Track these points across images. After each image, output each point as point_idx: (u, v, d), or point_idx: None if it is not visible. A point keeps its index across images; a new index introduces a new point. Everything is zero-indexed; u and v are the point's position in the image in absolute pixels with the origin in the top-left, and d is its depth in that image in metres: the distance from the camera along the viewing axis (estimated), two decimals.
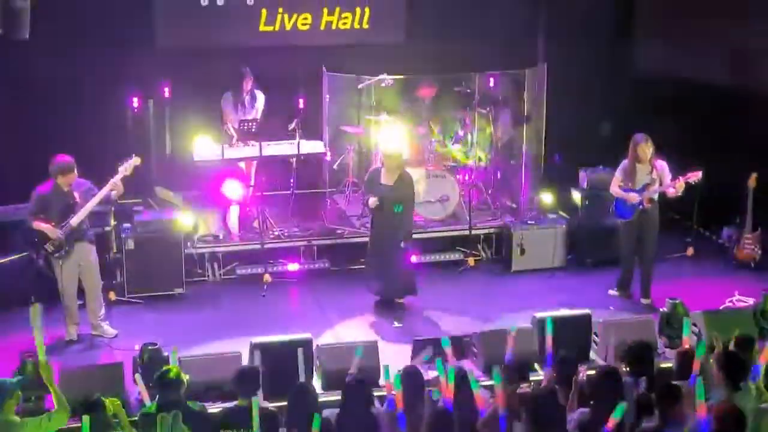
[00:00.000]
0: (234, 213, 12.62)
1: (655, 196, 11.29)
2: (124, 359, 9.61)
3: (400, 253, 11.19)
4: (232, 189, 12.27)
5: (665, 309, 10.40)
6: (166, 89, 13.42)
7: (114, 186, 10.42)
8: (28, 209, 10.50)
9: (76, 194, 10.40)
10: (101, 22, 12.90)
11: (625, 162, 11.39)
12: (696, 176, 11.16)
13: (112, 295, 11.49)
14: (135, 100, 13.12)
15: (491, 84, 13.67)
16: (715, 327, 9.41)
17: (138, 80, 13.20)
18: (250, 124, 12.34)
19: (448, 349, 8.14)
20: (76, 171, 10.36)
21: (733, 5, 12.99)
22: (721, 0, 13.20)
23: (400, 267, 11.26)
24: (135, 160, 10.61)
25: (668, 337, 10.25)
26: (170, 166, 13.31)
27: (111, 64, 12.90)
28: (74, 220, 10.33)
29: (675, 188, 11.16)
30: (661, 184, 11.25)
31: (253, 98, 12.71)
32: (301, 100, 13.14)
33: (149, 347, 9.41)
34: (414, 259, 11.58)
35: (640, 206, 11.28)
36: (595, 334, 10.13)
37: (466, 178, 13.37)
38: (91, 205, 10.40)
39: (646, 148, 11.16)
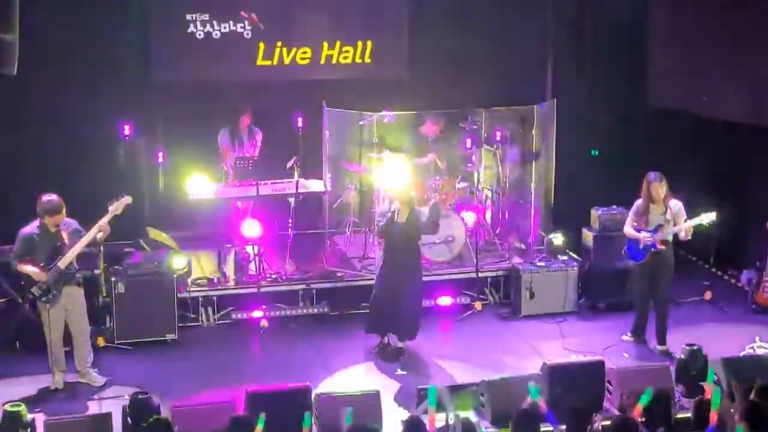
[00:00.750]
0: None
1: (670, 238, 11.14)
2: (112, 409, 9.39)
3: (412, 292, 11.13)
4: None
5: (682, 356, 10.23)
6: (160, 125, 13.34)
7: (101, 227, 10.24)
8: (13, 251, 10.33)
9: (63, 235, 10.23)
10: (94, 56, 12.87)
11: (638, 202, 11.28)
12: (710, 217, 11.03)
13: (101, 341, 11.30)
14: (126, 133, 12.98)
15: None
16: (735, 375, 9.25)
17: (131, 116, 13.09)
18: (247, 161, 12.24)
19: (454, 399, 7.98)
20: (64, 211, 10.19)
21: (752, 38, 12.90)
22: (738, 33, 13.10)
23: (409, 306, 11.14)
24: (126, 199, 10.44)
25: (686, 386, 10.05)
26: (163, 205, 13.19)
27: (103, 100, 12.82)
28: (62, 263, 10.14)
29: (685, 231, 11.02)
30: (675, 225, 11.11)
31: (252, 135, 12.60)
32: (300, 137, 13.03)
33: (139, 396, 9.23)
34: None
35: (653, 248, 11.14)
36: (609, 382, 9.96)
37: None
38: (80, 247, 10.22)
39: (659, 187, 11.05)
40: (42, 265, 10.13)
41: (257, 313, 11.90)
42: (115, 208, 10.33)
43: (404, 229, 11.03)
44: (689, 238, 11.16)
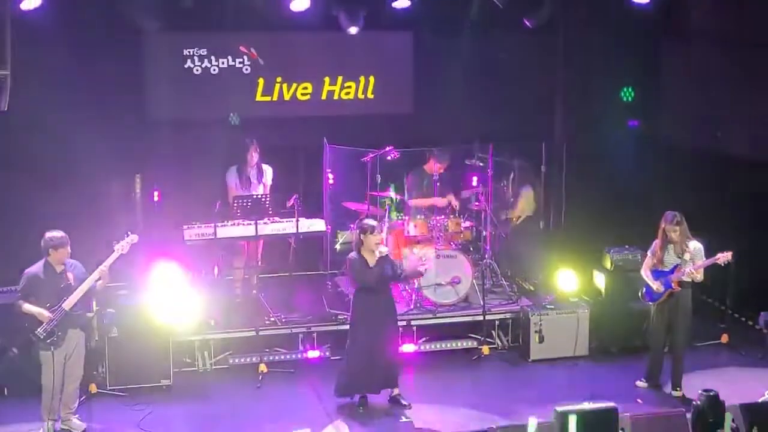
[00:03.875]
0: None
1: (687, 279, 11.09)
2: None
3: (391, 338, 11.00)
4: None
5: (698, 402, 10.11)
6: (156, 162, 13.33)
7: (102, 273, 10.17)
8: (18, 290, 10.25)
9: (69, 275, 10.18)
10: (89, 92, 12.86)
11: (655, 242, 11.27)
12: (726, 257, 11.01)
13: (93, 388, 11.21)
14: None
15: (507, 158, 13.58)
16: (754, 421, 9.13)
17: (127, 154, 13.10)
18: (246, 201, 12.17)
19: None
20: (68, 247, 10.15)
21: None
22: (752, 70, 13.14)
23: (389, 355, 11.00)
24: (132, 238, 10.38)
25: None
26: (159, 245, 13.12)
27: (99, 138, 12.74)
28: (67, 304, 10.08)
29: (694, 271, 11.00)
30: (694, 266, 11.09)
31: (260, 172, 12.59)
32: (300, 175, 13.02)
33: None
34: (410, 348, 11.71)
35: (669, 287, 11.13)
36: (622, 430, 9.84)
37: (479, 258, 13.16)
38: (85, 287, 10.14)
39: (672, 229, 11.06)
40: (46, 306, 10.07)
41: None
42: (121, 247, 10.28)
43: (380, 270, 10.85)
44: (701, 278, 11.12)
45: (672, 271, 11.11)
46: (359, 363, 10.95)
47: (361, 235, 10.84)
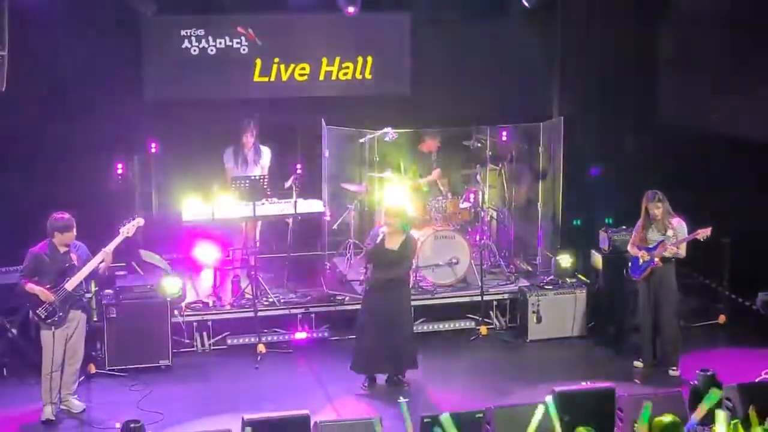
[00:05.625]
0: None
1: (669, 255, 11.19)
2: None
3: (405, 321, 11.03)
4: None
5: (696, 382, 10.17)
6: (153, 145, 13.35)
7: (105, 255, 10.18)
8: (21, 269, 10.27)
9: (73, 256, 10.19)
10: (86, 73, 12.84)
11: (639, 222, 11.42)
12: (705, 233, 11.13)
13: (93, 368, 11.24)
14: (119, 166, 13.00)
15: (503, 138, 13.61)
16: (751, 401, 9.17)
17: (124, 135, 13.12)
18: (243, 182, 12.18)
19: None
20: (74, 231, 10.14)
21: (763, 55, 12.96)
22: (749, 50, 13.15)
23: (404, 337, 11.06)
24: (138, 221, 10.42)
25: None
26: (157, 227, 13.17)
27: (95, 118, 12.79)
28: (69, 284, 10.11)
29: (676, 247, 11.13)
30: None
31: (257, 153, 12.60)
32: (298, 156, 13.03)
33: (132, 425, 9.17)
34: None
35: (652, 264, 11.25)
36: (620, 410, 9.88)
37: (478, 239, 13.19)
38: (88, 269, 10.16)
39: (654, 206, 11.20)
40: (49, 286, 10.09)
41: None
42: (127, 230, 10.31)
43: (396, 256, 10.89)
44: (683, 254, 11.22)
45: (656, 248, 11.23)
46: (367, 341, 10.99)
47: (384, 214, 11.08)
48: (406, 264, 10.98)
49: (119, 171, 13.06)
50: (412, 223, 11.49)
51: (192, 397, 10.90)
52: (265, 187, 12.14)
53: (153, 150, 13.33)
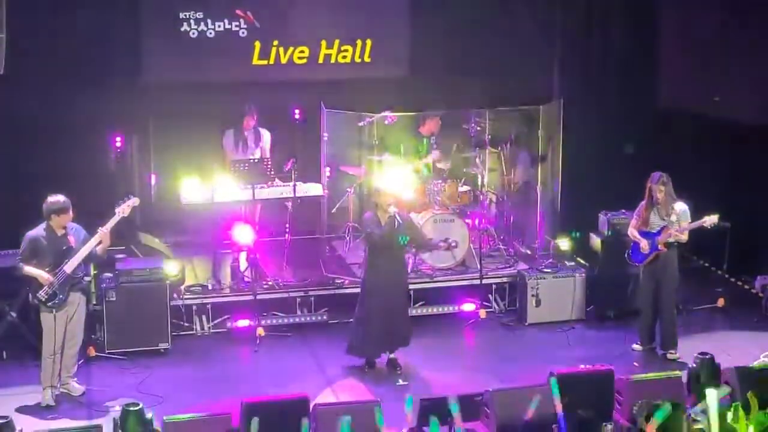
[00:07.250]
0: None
1: (672, 240, 11.19)
2: (103, 421, 9.32)
3: (405, 298, 11.09)
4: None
5: (694, 365, 10.19)
6: (151, 127, 13.34)
7: (103, 236, 10.17)
8: (19, 254, 10.27)
9: (70, 239, 10.19)
10: (84, 55, 12.86)
11: (642, 203, 11.33)
12: (712, 221, 11.11)
13: (92, 351, 11.27)
14: (118, 139, 13.00)
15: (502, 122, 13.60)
16: (749, 385, 9.20)
17: (122, 117, 13.11)
18: (243, 164, 12.19)
19: (457, 414, 7.92)
20: (71, 212, 10.12)
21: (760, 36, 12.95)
22: (746, 32, 13.14)
23: (405, 313, 11.14)
24: (133, 201, 10.40)
25: (698, 397, 10.02)
26: (156, 210, 13.17)
27: (93, 101, 12.75)
28: (68, 267, 10.11)
29: (680, 233, 11.09)
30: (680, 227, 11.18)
31: (257, 136, 12.60)
32: (297, 139, 13.02)
33: (131, 408, 9.20)
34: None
35: (655, 249, 11.22)
36: (618, 392, 9.92)
37: (477, 222, 13.20)
38: (86, 250, 10.15)
39: (658, 189, 11.13)
40: (48, 269, 10.10)
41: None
42: (122, 210, 10.28)
43: (392, 227, 10.88)
44: (686, 239, 11.22)
45: (659, 233, 11.19)
46: (376, 324, 10.98)
47: (375, 195, 10.98)
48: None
49: (118, 144, 12.98)
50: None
51: (191, 379, 10.94)
52: (269, 171, 12.15)
53: (152, 132, 13.30)
